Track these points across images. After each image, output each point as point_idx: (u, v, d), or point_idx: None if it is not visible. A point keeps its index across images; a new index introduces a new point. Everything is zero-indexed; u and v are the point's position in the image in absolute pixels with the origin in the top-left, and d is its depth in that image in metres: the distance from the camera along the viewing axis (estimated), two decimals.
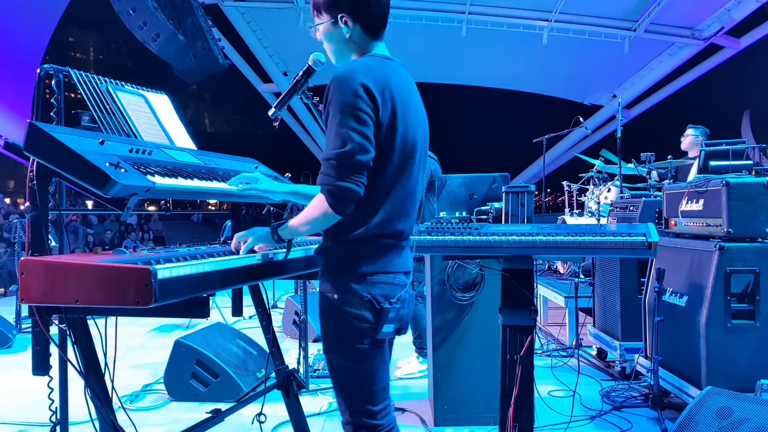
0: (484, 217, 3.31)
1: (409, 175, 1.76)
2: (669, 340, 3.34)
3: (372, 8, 1.77)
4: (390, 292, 1.71)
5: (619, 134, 4.85)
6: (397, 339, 1.88)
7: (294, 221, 1.72)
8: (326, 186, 1.62)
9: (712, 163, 3.40)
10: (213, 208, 27.53)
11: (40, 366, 1.74)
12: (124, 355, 4.85)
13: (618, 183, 5.43)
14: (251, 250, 1.82)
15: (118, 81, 2.23)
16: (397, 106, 1.69)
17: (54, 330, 1.69)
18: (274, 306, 6.84)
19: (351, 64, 1.72)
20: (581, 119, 6.48)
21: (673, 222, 3.57)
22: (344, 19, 1.77)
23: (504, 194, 2.99)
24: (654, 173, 5.45)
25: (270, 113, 2.14)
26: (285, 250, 1.91)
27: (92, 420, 1.69)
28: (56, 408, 2.04)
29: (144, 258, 1.52)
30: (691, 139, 5.42)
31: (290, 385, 2.65)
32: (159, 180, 1.77)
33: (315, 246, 2.14)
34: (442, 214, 3.44)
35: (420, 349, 4.34)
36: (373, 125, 1.64)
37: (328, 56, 1.91)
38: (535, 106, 20.69)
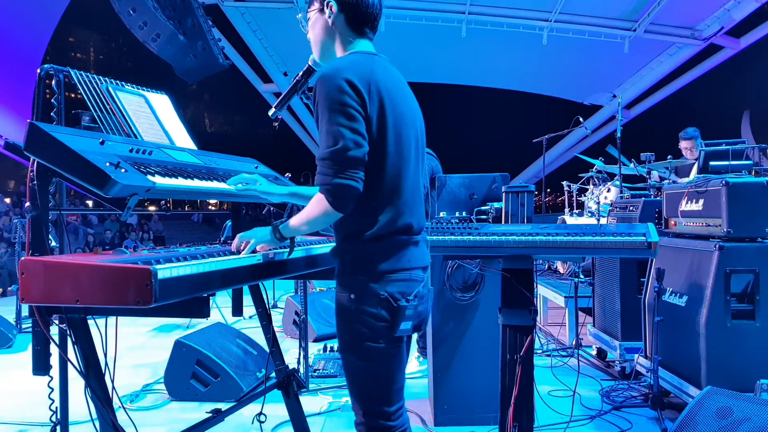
0: (484, 217, 3.31)
1: (408, 169, 1.76)
2: (669, 340, 3.34)
3: (358, 2, 1.78)
4: (407, 289, 1.71)
5: (619, 134, 4.85)
6: None
7: (294, 220, 1.72)
8: (324, 185, 1.62)
9: (712, 163, 3.40)
10: (213, 208, 27.53)
11: (41, 366, 1.74)
12: (124, 355, 4.85)
13: (618, 183, 5.43)
14: (253, 251, 1.82)
15: (118, 81, 2.23)
16: (385, 100, 1.69)
17: (54, 330, 1.69)
18: (274, 306, 6.84)
19: (334, 63, 1.73)
20: (581, 119, 6.47)
21: (672, 222, 3.57)
22: (330, 4, 1.79)
23: (504, 194, 2.99)
24: (654, 173, 5.45)
25: (270, 113, 2.15)
26: (287, 249, 1.91)
27: (92, 420, 1.69)
28: (56, 408, 2.04)
29: (144, 258, 1.52)
30: (692, 147, 5.41)
31: (290, 385, 2.65)
32: (159, 180, 1.77)
33: (315, 246, 2.14)
34: (442, 214, 3.44)
35: (422, 349, 4.34)
36: (363, 120, 1.64)
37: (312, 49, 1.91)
38: (535, 106, 20.71)
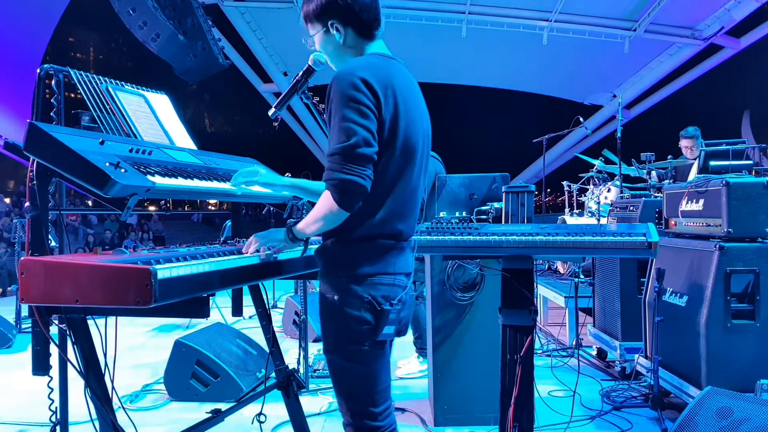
0: (484, 217, 3.31)
1: (410, 175, 1.75)
2: (669, 340, 3.34)
3: (360, 11, 1.77)
4: (390, 294, 1.70)
5: (619, 134, 4.85)
6: (398, 339, 1.87)
7: (304, 221, 1.72)
8: (331, 181, 1.61)
9: (712, 163, 3.40)
10: (213, 208, 27.52)
11: (40, 366, 1.74)
12: (124, 355, 4.85)
13: (618, 183, 5.43)
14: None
15: (118, 81, 2.23)
16: (400, 104, 1.68)
17: (54, 330, 1.69)
18: (274, 306, 6.84)
19: (353, 62, 1.72)
20: (581, 119, 6.48)
21: (673, 222, 3.57)
22: (335, 26, 1.77)
23: (504, 194, 2.99)
24: (654, 173, 5.45)
25: (270, 113, 2.14)
26: (301, 249, 1.91)
27: (92, 420, 1.69)
28: (56, 408, 2.04)
29: (144, 258, 1.52)
30: (693, 146, 5.42)
31: (290, 385, 2.65)
32: (159, 180, 1.77)
33: (315, 246, 2.14)
34: (442, 214, 3.44)
35: (420, 350, 4.34)
36: (375, 120, 1.63)
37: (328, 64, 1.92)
38: (535, 106, 20.72)
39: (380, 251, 1.70)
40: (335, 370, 1.76)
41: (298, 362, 3.87)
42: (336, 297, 1.68)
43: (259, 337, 3.56)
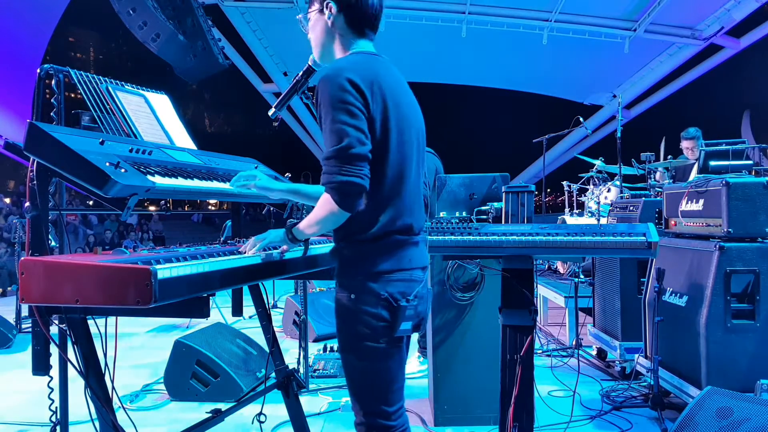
0: (484, 217, 3.31)
1: (410, 170, 1.76)
2: (669, 340, 3.34)
3: (358, 2, 1.78)
4: (407, 289, 1.71)
5: (619, 134, 4.85)
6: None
7: (304, 222, 1.73)
8: (329, 184, 1.62)
9: (712, 163, 3.40)
10: (213, 208, 27.52)
11: (40, 366, 1.74)
12: (124, 355, 4.85)
13: (618, 183, 5.43)
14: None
15: (118, 81, 2.23)
16: (388, 100, 1.69)
17: (54, 330, 1.69)
18: (274, 306, 6.84)
19: (336, 63, 1.73)
20: (581, 119, 6.48)
21: (673, 222, 3.57)
22: (329, 5, 1.78)
23: (504, 194, 2.99)
24: (657, 174, 5.45)
25: (270, 113, 2.14)
26: (302, 249, 1.92)
27: (92, 420, 1.69)
28: (56, 408, 2.04)
29: (144, 258, 1.52)
30: (694, 147, 5.43)
31: (290, 385, 2.65)
32: (159, 180, 1.77)
33: (315, 246, 2.14)
34: (442, 214, 3.44)
35: (422, 349, 4.34)
36: (365, 119, 1.64)
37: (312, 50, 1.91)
38: (535, 106, 20.71)
39: (394, 247, 1.71)
40: (350, 368, 1.76)
41: (298, 362, 3.86)
42: (353, 296, 1.69)
43: (259, 337, 3.56)
